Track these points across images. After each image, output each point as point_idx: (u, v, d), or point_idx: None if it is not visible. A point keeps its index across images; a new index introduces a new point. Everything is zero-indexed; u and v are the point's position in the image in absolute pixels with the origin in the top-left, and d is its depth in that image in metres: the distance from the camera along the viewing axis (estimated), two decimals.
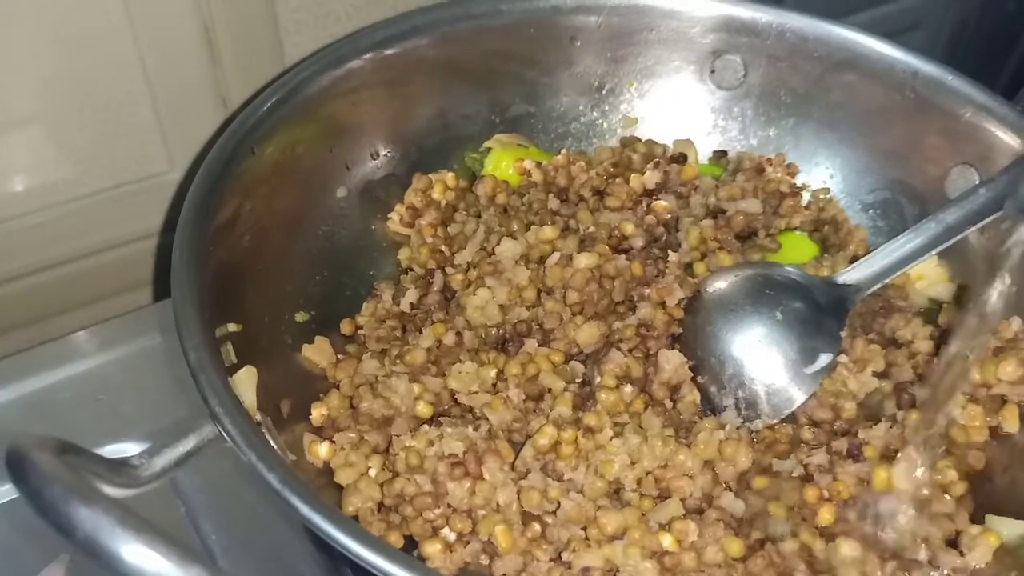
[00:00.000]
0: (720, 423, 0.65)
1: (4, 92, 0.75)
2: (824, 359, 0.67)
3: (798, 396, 0.67)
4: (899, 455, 0.62)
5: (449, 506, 0.60)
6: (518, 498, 0.61)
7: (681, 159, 0.83)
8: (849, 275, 0.71)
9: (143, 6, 0.76)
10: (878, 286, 0.70)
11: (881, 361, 0.69)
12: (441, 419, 0.65)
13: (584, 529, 0.60)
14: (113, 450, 0.70)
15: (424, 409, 0.65)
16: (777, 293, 0.69)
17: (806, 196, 0.82)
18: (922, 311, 0.75)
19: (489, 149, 0.83)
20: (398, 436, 0.63)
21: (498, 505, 0.60)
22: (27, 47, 0.74)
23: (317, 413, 0.66)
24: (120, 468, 0.49)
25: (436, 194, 0.80)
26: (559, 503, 0.60)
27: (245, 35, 0.82)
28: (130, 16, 0.76)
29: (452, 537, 0.60)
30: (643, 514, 0.60)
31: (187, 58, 0.80)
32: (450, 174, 0.82)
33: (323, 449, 0.63)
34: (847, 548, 0.58)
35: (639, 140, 0.84)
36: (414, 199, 0.80)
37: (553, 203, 0.79)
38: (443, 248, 0.77)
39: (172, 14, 0.77)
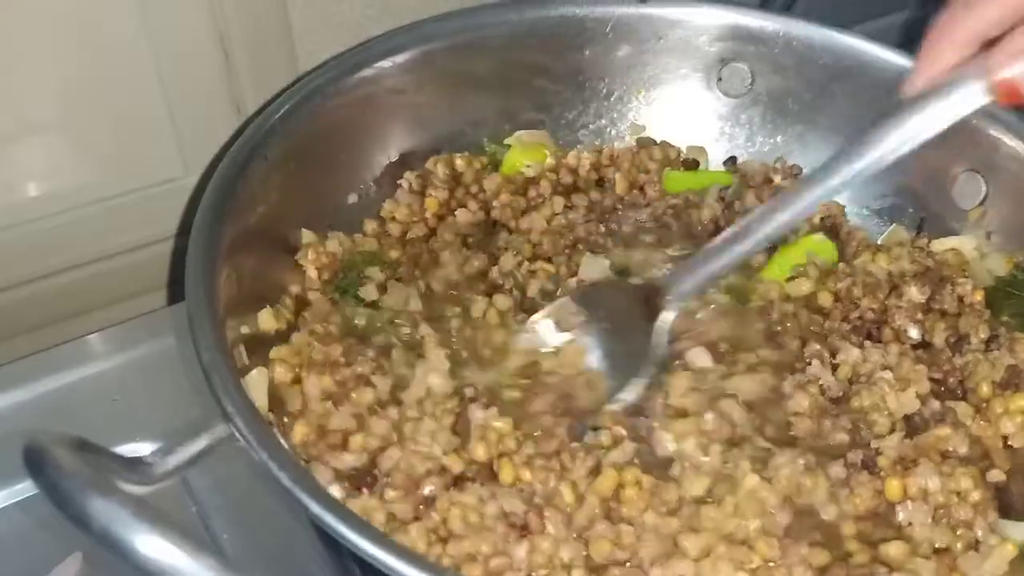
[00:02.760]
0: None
1: (23, 99, 0.76)
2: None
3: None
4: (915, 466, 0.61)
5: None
6: (585, 552, 0.57)
7: (693, 165, 0.84)
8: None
9: (159, 14, 0.77)
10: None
11: (926, 383, 0.67)
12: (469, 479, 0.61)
13: None
14: (127, 450, 0.69)
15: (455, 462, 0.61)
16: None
17: None
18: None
19: (509, 146, 0.84)
20: (441, 492, 0.59)
21: (562, 563, 0.56)
22: (45, 54, 0.75)
23: (299, 432, 0.62)
24: (134, 465, 0.50)
25: (459, 163, 0.81)
26: (634, 550, 0.57)
27: (259, 43, 0.83)
28: (147, 24, 0.77)
29: None
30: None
31: (202, 65, 0.81)
32: (478, 159, 0.83)
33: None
34: (895, 549, 0.58)
35: (655, 143, 0.85)
36: (434, 167, 0.81)
37: (558, 204, 0.79)
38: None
39: (188, 22, 0.79)
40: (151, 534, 0.39)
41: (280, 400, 0.64)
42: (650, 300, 0.70)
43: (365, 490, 0.60)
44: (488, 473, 0.61)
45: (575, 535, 0.57)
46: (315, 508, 0.50)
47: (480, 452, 0.61)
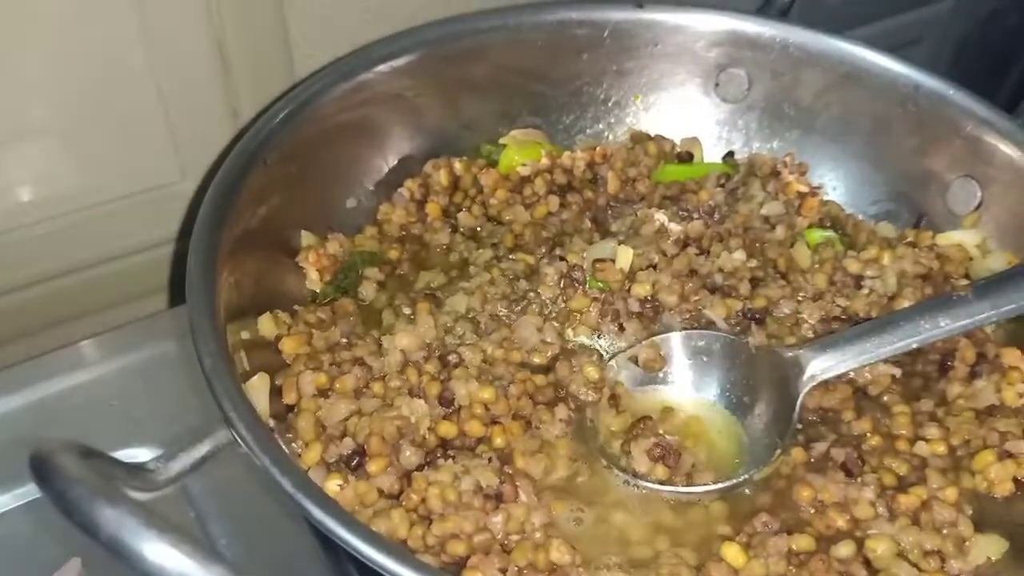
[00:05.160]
0: None
1: (21, 103, 0.76)
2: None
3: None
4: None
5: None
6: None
7: (688, 158, 0.85)
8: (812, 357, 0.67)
9: (156, 20, 0.77)
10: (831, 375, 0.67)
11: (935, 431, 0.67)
12: (450, 452, 0.62)
13: None
14: (125, 455, 0.70)
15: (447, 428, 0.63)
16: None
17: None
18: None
19: (504, 145, 0.84)
20: (418, 471, 0.61)
21: (533, 527, 0.59)
22: (43, 60, 0.75)
23: (308, 457, 0.61)
24: (137, 472, 0.50)
25: (458, 167, 0.82)
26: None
27: (256, 48, 0.83)
28: (144, 29, 0.77)
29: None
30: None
31: (199, 71, 0.81)
32: (476, 163, 0.83)
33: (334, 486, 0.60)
34: (884, 546, 0.59)
35: (649, 137, 0.86)
36: (433, 170, 0.81)
37: (553, 204, 0.80)
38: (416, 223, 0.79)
39: (185, 28, 0.78)
40: (161, 542, 0.39)
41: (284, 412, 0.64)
42: (778, 370, 0.68)
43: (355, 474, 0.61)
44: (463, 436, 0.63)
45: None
46: (318, 514, 0.50)
47: (475, 428, 0.63)
